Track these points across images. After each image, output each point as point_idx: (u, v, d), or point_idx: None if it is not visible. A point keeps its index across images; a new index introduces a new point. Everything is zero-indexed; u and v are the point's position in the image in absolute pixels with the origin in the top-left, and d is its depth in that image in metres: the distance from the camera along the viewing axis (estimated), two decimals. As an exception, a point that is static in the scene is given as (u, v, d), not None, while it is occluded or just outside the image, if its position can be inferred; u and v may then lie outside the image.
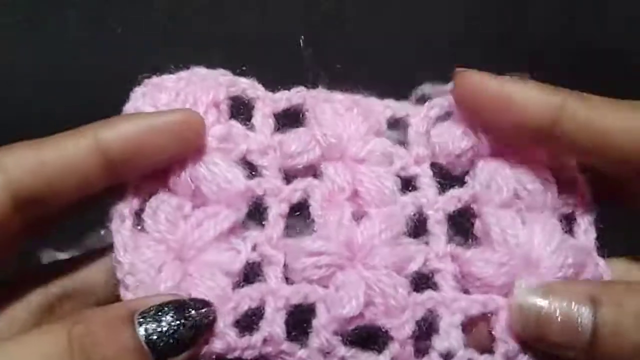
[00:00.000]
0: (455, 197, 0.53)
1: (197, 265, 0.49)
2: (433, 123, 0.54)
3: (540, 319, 0.46)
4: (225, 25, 0.57)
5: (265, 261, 0.50)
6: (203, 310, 0.45)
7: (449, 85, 0.53)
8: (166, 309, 0.43)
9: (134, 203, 0.50)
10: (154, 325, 0.42)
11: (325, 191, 0.52)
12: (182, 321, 0.43)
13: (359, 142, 0.53)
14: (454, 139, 0.53)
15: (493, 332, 0.49)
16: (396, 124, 0.55)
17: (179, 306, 0.44)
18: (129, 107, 0.51)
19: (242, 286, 0.49)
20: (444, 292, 0.50)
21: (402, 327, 0.48)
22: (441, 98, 0.54)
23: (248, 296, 0.49)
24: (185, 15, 0.59)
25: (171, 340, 0.42)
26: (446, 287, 0.50)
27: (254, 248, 0.50)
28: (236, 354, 0.47)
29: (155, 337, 0.42)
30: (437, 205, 0.52)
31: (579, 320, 0.44)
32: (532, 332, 0.46)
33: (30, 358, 0.40)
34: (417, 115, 0.54)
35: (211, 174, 0.50)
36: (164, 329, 0.42)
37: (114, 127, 0.46)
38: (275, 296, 0.49)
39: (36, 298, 0.49)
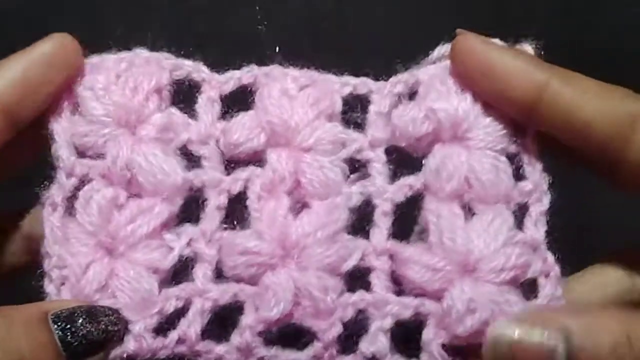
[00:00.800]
0: (406, 186, 0.49)
1: (126, 263, 0.47)
2: (396, 102, 0.50)
3: (514, 349, 0.42)
4: (225, 25, 0.55)
5: (197, 258, 0.48)
6: (113, 317, 0.45)
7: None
8: (78, 312, 0.44)
9: (66, 188, 0.48)
10: (66, 327, 0.43)
11: (266, 181, 0.48)
12: (94, 325, 0.43)
13: (306, 129, 0.49)
14: (415, 122, 0.48)
15: (421, 340, 0.46)
16: (356, 102, 0.51)
17: (90, 312, 0.44)
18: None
19: (172, 283, 0.47)
20: (376, 293, 0.47)
21: (328, 330, 0.46)
22: (407, 74, 0.50)
23: (175, 296, 0.47)
24: (185, 15, 0.58)
25: (83, 341, 0.43)
26: (379, 287, 0.47)
27: (188, 244, 0.48)
28: (149, 354, 0.45)
29: (68, 337, 0.43)
30: (386, 195, 0.48)
31: (553, 351, 0.41)
32: None
33: None
34: (380, 91, 0.50)
35: (149, 164, 0.48)
36: (76, 330, 0.43)
37: None
38: (202, 297, 0.47)
39: None
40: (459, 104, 0.48)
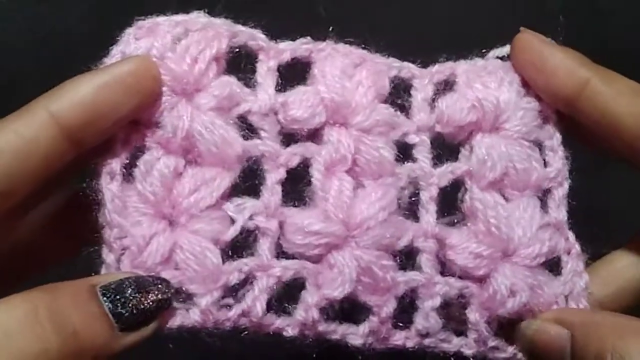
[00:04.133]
0: (449, 172, 0.52)
1: (189, 235, 0.46)
2: (438, 90, 0.53)
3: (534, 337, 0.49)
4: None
5: (259, 232, 0.48)
6: (162, 285, 0.45)
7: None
8: (127, 283, 0.43)
9: (123, 157, 0.46)
10: (116, 297, 0.42)
11: (328, 158, 0.49)
12: (143, 295, 0.43)
13: (366, 110, 0.50)
14: (462, 110, 0.51)
15: (466, 318, 0.50)
16: (399, 85, 0.53)
17: (139, 282, 0.44)
18: (115, 52, 0.47)
19: (232, 256, 0.48)
20: (426, 273, 0.50)
21: (384, 306, 0.49)
22: (445, 64, 0.53)
23: (238, 270, 0.47)
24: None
25: (134, 311, 0.43)
26: (428, 268, 0.50)
27: (250, 217, 0.48)
28: (212, 326, 0.47)
29: (118, 307, 0.42)
30: (432, 179, 0.52)
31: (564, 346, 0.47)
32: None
33: None
34: (422, 77, 0.52)
35: (210, 133, 0.47)
36: (126, 301, 0.42)
37: (63, 95, 0.43)
38: (266, 272, 0.48)
39: None
40: (501, 95, 0.51)
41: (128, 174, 0.47)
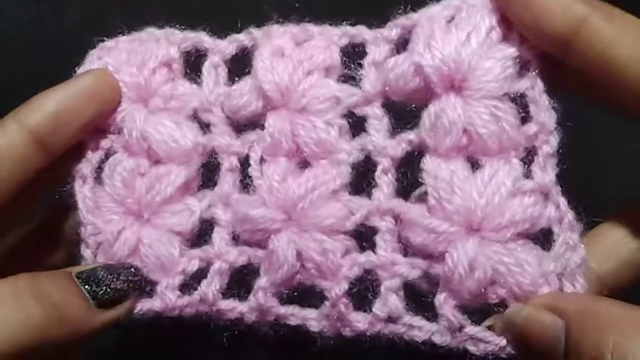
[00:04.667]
0: (405, 141, 0.47)
1: (151, 229, 0.50)
2: (391, 50, 0.48)
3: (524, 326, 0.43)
4: (224, 25, 0.55)
5: (215, 221, 0.50)
6: (130, 269, 0.49)
7: None
8: (99, 268, 0.48)
9: (93, 162, 0.52)
10: (90, 279, 0.47)
11: (266, 145, 0.49)
12: (114, 276, 0.48)
13: (298, 89, 0.48)
14: (405, 76, 0.46)
15: (436, 303, 0.45)
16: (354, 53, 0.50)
17: (109, 267, 0.49)
18: (81, 71, 0.52)
19: (195, 244, 0.51)
20: (381, 255, 0.47)
21: (333, 288, 0.47)
22: (404, 17, 0.48)
23: (197, 258, 0.50)
24: (185, 15, 0.58)
25: (108, 290, 0.47)
26: (384, 249, 0.47)
27: (208, 207, 0.51)
28: (175, 312, 0.49)
29: (93, 287, 0.46)
30: (386, 151, 0.47)
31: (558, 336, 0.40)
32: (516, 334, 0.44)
33: None
34: (375, 40, 0.49)
35: (159, 133, 0.50)
36: (99, 281, 0.47)
37: (32, 107, 0.48)
38: (220, 259, 0.49)
39: None
40: (452, 53, 0.44)
41: (99, 175, 0.52)
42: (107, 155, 0.52)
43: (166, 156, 0.51)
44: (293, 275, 0.47)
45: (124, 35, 0.53)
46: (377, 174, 0.48)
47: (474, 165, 0.46)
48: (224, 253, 0.49)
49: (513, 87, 0.45)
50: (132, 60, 0.51)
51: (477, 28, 0.45)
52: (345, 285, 0.47)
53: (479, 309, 0.45)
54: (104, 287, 0.47)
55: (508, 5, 0.44)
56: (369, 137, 0.48)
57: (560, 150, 0.45)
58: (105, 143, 0.52)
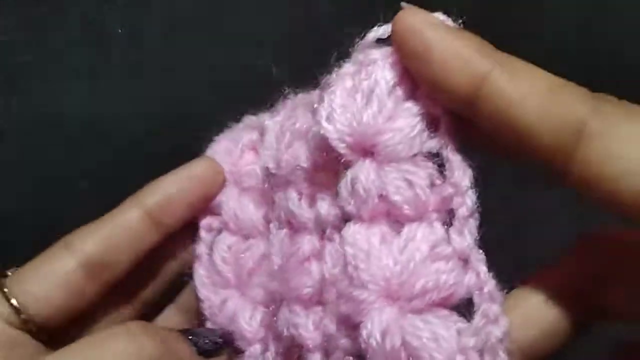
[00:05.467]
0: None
1: (243, 300, 0.55)
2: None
3: None
4: (225, 25, 0.54)
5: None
6: (227, 331, 0.54)
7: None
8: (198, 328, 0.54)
9: (206, 240, 0.57)
10: (192, 332, 0.52)
11: None
12: (213, 332, 0.53)
13: None
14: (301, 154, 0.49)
15: None
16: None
17: (207, 329, 0.55)
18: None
19: None
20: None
21: None
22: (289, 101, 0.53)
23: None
24: (185, 15, 0.57)
25: (207, 341, 0.51)
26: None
27: None
28: None
29: (195, 337, 0.51)
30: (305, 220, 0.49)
31: None
32: None
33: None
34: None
35: (243, 212, 0.56)
36: (199, 334, 0.52)
37: (151, 190, 0.55)
38: None
39: None
40: (354, 119, 0.42)
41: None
42: (219, 232, 0.58)
43: (246, 232, 0.56)
44: None
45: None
46: None
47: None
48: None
49: (424, 146, 0.42)
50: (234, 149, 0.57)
51: (379, 87, 0.42)
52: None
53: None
54: (204, 338, 0.51)
55: (407, 61, 0.41)
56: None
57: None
58: (215, 224, 0.57)
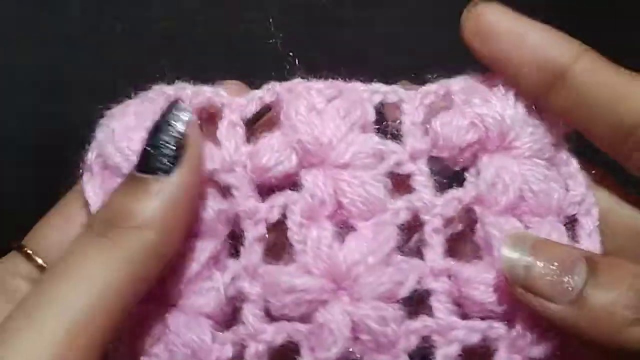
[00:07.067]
0: (455, 199, 0.45)
1: (178, 313, 0.44)
2: (430, 112, 0.46)
3: (528, 274, 0.40)
4: (225, 25, 0.51)
5: (243, 297, 0.45)
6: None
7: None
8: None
9: None
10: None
11: (305, 206, 0.45)
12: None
13: (341, 144, 0.45)
14: (459, 130, 0.44)
15: None
16: (388, 112, 0.47)
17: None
18: (92, 145, 0.47)
19: (228, 324, 0.45)
20: (439, 318, 0.44)
21: None
22: (436, 84, 0.46)
23: (230, 341, 0.44)
24: (185, 15, 0.54)
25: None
26: (442, 311, 0.44)
27: (232, 281, 0.45)
28: None
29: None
30: (435, 210, 0.45)
31: (569, 281, 0.39)
32: (518, 281, 0.41)
33: None
34: (411, 101, 0.46)
35: None
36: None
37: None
38: (255, 340, 0.44)
39: None
40: (505, 111, 0.44)
41: None
42: None
43: (195, 231, 0.45)
44: (346, 351, 0.43)
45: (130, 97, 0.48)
46: (427, 233, 0.44)
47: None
48: (258, 332, 0.44)
49: (552, 156, 0.45)
50: (141, 123, 0.45)
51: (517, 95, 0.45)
52: (406, 358, 0.43)
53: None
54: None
55: (495, 46, 0.43)
56: (416, 195, 0.45)
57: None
58: None
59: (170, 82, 0.48)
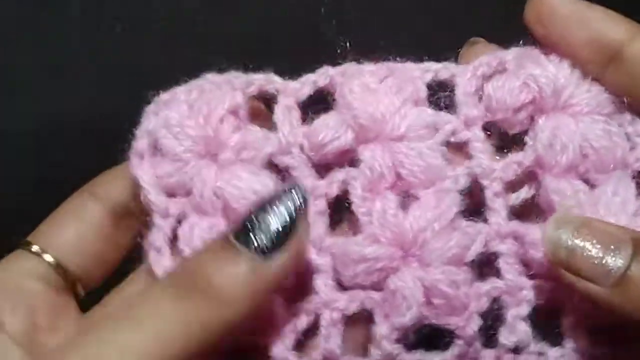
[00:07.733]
0: (514, 163, 0.46)
1: None
2: (482, 81, 0.47)
3: (571, 255, 0.41)
4: (225, 24, 0.52)
5: (314, 269, 0.46)
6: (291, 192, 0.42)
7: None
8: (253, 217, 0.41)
9: (165, 230, 0.46)
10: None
11: (365, 180, 0.46)
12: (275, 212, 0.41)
13: (395, 117, 0.46)
14: (512, 90, 0.46)
15: (562, 326, 0.45)
16: (441, 88, 0.48)
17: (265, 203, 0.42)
18: (140, 133, 0.47)
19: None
20: (508, 279, 0.45)
21: (467, 325, 0.44)
22: (488, 56, 0.47)
23: (303, 312, 0.45)
24: (185, 14, 0.54)
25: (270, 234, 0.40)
26: (511, 272, 0.45)
27: None
28: None
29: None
30: (495, 174, 0.46)
31: (612, 263, 0.39)
32: (561, 262, 0.41)
33: None
34: (463, 74, 0.47)
35: (236, 189, 0.45)
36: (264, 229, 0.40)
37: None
38: (329, 308, 0.45)
39: None
40: (559, 71, 0.45)
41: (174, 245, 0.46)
42: (179, 220, 0.46)
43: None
44: (420, 315, 0.44)
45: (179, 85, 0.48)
46: (488, 197, 0.46)
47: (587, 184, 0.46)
48: (332, 300, 0.45)
49: (613, 112, 0.46)
50: (196, 112, 0.46)
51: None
52: (478, 321, 0.44)
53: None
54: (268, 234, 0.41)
55: (554, 30, 0.45)
56: (474, 161, 0.46)
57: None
58: (175, 208, 0.46)
59: (170, 82, 0.49)
